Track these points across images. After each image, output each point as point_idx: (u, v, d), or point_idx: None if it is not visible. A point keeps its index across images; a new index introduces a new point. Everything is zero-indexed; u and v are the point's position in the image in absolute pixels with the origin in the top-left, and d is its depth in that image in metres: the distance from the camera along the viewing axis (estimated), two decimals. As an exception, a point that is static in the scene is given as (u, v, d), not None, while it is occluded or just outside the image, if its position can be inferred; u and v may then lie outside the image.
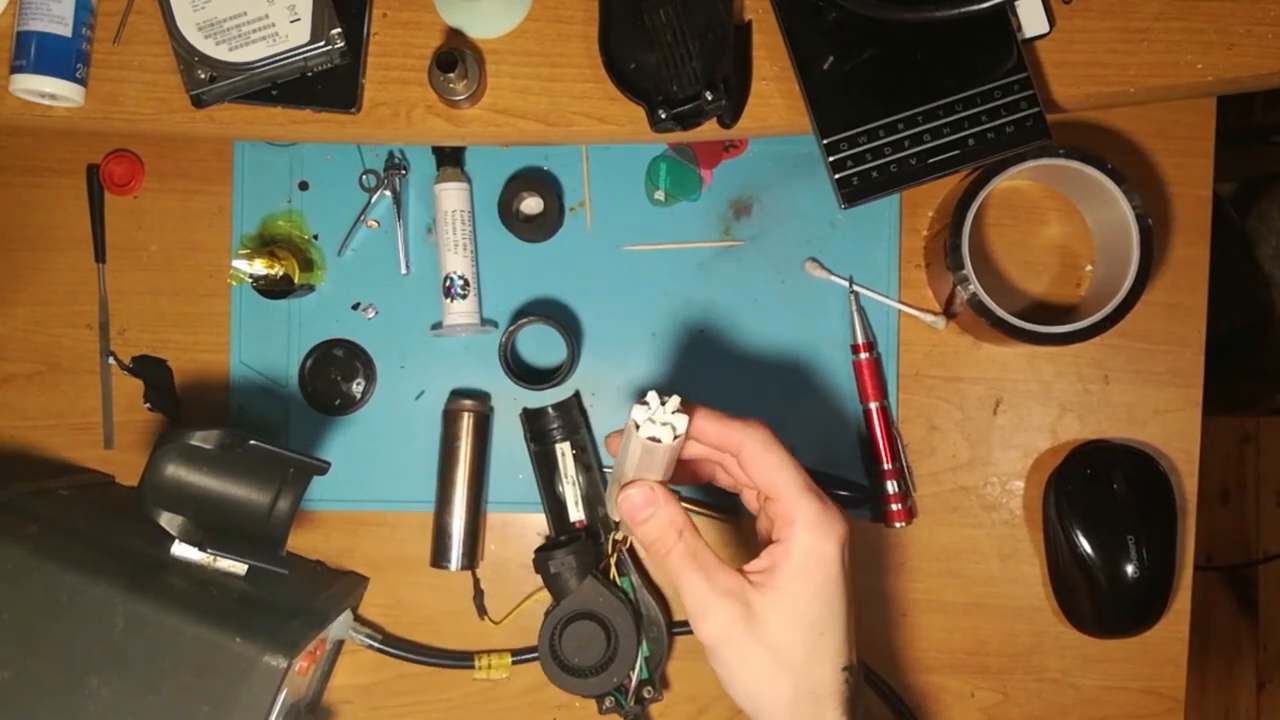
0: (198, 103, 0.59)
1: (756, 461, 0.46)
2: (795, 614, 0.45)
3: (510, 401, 0.70)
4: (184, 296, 0.71)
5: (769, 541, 0.47)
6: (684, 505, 0.68)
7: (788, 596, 0.45)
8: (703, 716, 0.71)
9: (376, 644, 0.69)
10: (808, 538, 0.45)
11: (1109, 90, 0.60)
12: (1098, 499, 0.67)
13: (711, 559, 0.46)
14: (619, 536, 0.66)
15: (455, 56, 0.56)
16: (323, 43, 0.58)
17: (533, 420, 0.68)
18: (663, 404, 0.44)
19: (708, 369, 0.70)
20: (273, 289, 0.68)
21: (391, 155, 0.70)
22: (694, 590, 0.45)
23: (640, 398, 0.44)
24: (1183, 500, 0.69)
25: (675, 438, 0.44)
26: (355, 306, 0.71)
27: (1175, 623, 0.69)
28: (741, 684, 0.46)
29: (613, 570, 0.67)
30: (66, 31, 0.58)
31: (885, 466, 0.69)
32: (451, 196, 0.68)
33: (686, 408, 0.44)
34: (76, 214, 0.71)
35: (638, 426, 0.44)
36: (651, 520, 0.46)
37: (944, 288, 0.67)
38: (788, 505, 0.45)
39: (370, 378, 0.70)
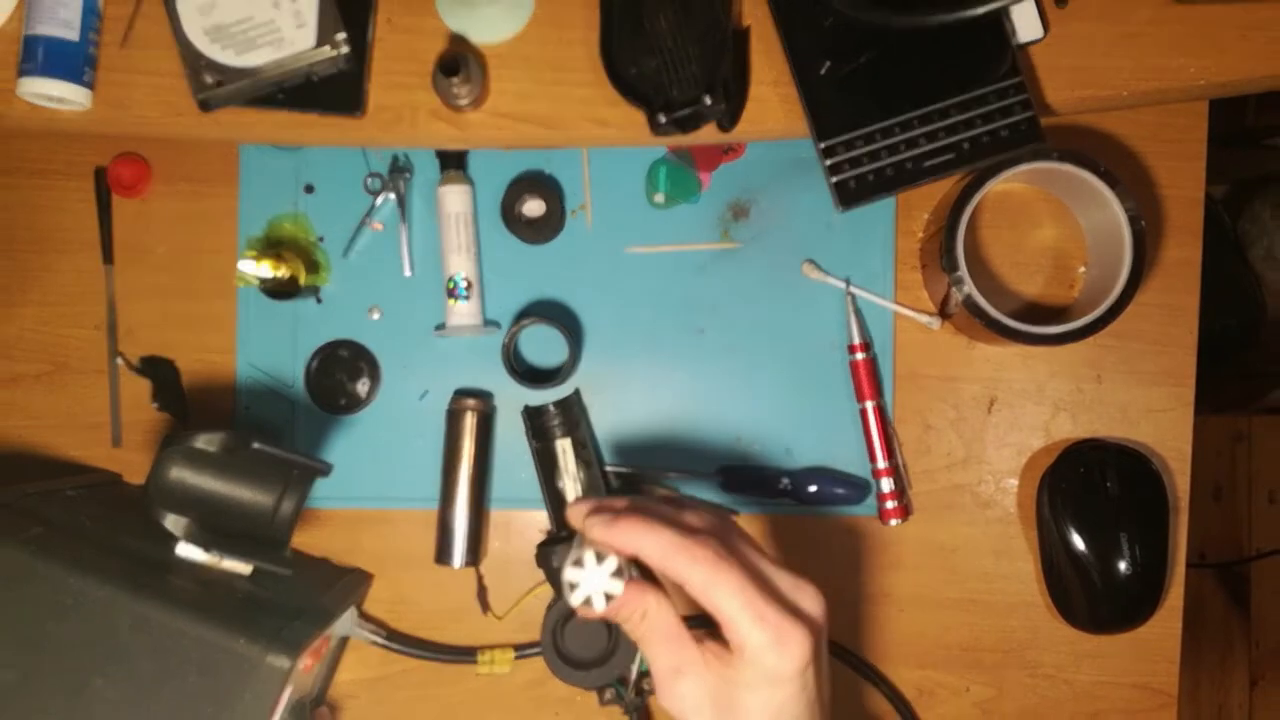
0: (204, 106, 0.59)
1: (702, 597, 0.43)
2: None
3: (513, 401, 0.71)
4: (191, 298, 0.72)
5: None
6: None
7: (747, 706, 0.43)
8: (702, 711, 0.71)
9: (381, 640, 0.69)
10: (765, 660, 0.42)
11: (1102, 94, 0.61)
12: (1091, 497, 0.68)
13: (681, 635, 0.44)
14: None
15: (458, 61, 0.56)
16: (328, 47, 0.58)
17: (534, 417, 0.69)
18: (599, 563, 0.42)
19: (707, 369, 0.71)
20: (279, 290, 0.69)
21: (396, 158, 0.71)
22: (660, 661, 0.44)
23: (575, 555, 0.42)
24: (1175, 498, 0.70)
25: (610, 599, 0.42)
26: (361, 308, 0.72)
27: (1168, 619, 0.70)
28: None
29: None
30: (74, 35, 0.58)
31: (881, 465, 0.70)
32: (455, 199, 0.69)
33: (625, 552, 0.42)
34: (84, 216, 0.72)
35: (572, 588, 0.42)
36: (615, 611, 0.44)
37: (939, 289, 0.68)
38: (739, 636, 0.42)
39: (375, 378, 0.71)
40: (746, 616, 0.41)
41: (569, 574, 0.42)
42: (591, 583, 0.42)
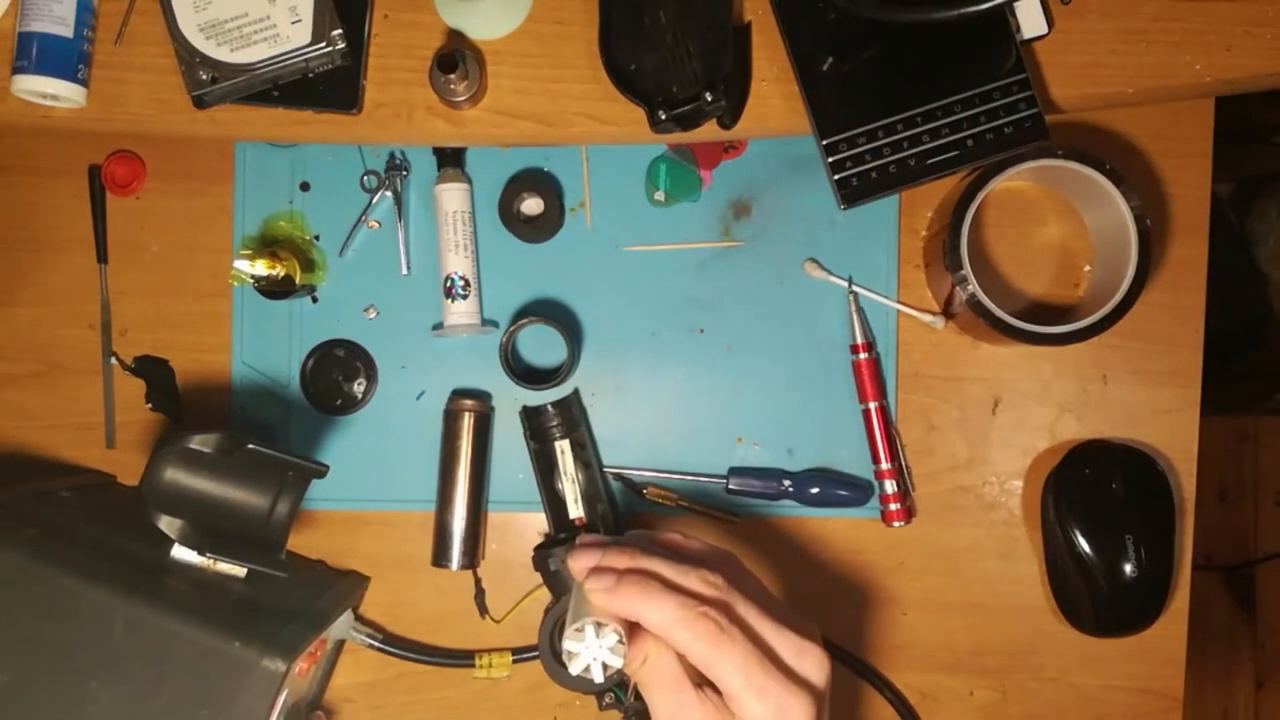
0: (199, 103, 0.59)
1: (704, 669, 0.43)
2: None
3: (511, 401, 0.71)
4: (186, 297, 0.71)
5: None
6: (681, 503, 0.69)
7: None
8: (703, 715, 0.71)
9: (377, 643, 0.69)
10: None
11: (1107, 91, 0.60)
12: (1096, 498, 0.67)
13: (681, 682, 0.44)
14: None
15: (456, 57, 0.56)
16: (324, 44, 0.58)
17: (532, 418, 0.69)
18: (599, 636, 0.42)
19: (707, 369, 0.71)
20: (274, 289, 0.68)
21: (393, 156, 0.71)
22: (660, 707, 0.44)
23: (576, 624, 0.42)
24: (1181, 500, 0.70)
25: (609, 672, 0.42)
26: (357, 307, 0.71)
27: (1174, 622, 0.70)
28: None
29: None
30: (68, 32, 0.58)
31: (884, 466, 0.69)
32: (452, 197, 0.69)
33: (623, 614, 0.42)
34: (78, 214, 0.71)
35: (571, 657, 0.43)
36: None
37: (943, 288, 0.67)
38: (740, 709, 0.42)
39: (371, 378, 0.71)
40: (749, 692, 0.42)
41: (569, 644, 0.43)
42: (591, 653, 0.43)
